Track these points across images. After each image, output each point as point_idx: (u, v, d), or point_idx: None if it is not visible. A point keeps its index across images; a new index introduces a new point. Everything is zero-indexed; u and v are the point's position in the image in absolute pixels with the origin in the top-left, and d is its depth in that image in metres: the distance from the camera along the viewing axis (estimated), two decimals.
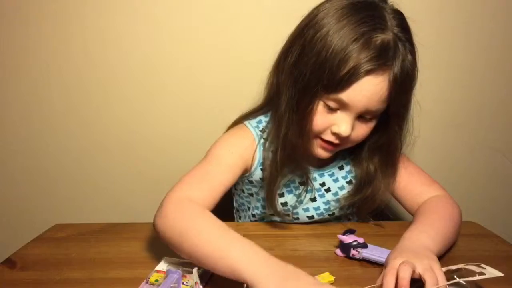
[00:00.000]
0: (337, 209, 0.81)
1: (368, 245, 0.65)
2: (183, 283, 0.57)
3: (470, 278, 0.54)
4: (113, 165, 1.01)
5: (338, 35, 0.63)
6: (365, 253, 0.64)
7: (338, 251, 0.67)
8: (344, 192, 0.80)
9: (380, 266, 0.62)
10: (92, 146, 0.99)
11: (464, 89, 1.01)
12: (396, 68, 0.64)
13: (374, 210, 0.79)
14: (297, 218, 0.81)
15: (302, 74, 0.66)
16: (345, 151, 0.79)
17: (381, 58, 0.63)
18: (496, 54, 0.99)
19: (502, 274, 0.55)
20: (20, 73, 0.94)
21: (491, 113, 1.03)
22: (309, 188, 0.77)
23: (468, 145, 1.05)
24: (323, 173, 0.80)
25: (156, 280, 0.57)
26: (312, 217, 0.80)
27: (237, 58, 0.94)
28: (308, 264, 0.62)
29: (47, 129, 0.98)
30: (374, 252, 0.64)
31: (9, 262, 0.63)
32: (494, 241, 0.73)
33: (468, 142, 1.05)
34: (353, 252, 0.64)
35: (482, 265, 0.56)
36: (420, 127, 1.03)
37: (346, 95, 0.65)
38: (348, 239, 0.66)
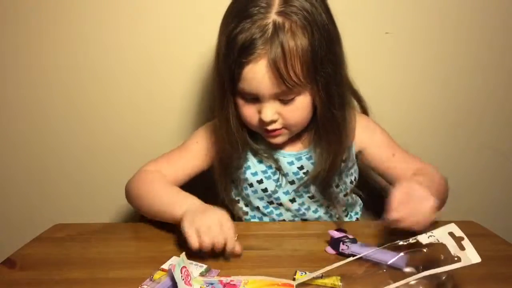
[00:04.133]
0: (315, 190, 0.81)
1: (359, 242, 0.65)
2: None
3: (444, 268, 0.53)
4: (113, 165, 1.01)
5: (224, 31, 0.68)
6: (354, 248, 0.64)
7: (329, 249, 0.67)
8: None
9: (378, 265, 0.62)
10: (92, 146, 0.99)
11: (464, 89, 1.01)
12: (276, 55, 0.64)
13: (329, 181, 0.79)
14: (280, 204, 0.82)
15: (214, 73, 0.73)
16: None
17: (257, 45, 0.65)
18: (497, 54, 0.99)
19: (479, 260, 0.54)
20: (20, 73, 0.94)
21: (492, 113, 1.03)
22: (284, 172, 0.79)
23: (468, 145, 1.05)
24: (301, 156, 0.80)
25: (159, 278, 0.57)
26: (294, 199, 0.81)
27: None
28: (309, 264, 0.62)
29: (47, 129, 0.98)
30: (363, 249, 0.63)
31: (9, 262, 0.63)
32: (494, 241, 0.73)
33: (468, 142, 1.05)
34: (342, 246, 0.65)
35: (464, 242, 0.56)
36: (421, 127, 1.03)
37: (242, 85, 0.69)
38: (338, 234, 0.66)
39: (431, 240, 0.57)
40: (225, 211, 0.66)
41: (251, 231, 0.74)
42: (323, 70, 0.69)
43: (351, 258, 0.58)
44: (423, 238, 0.57)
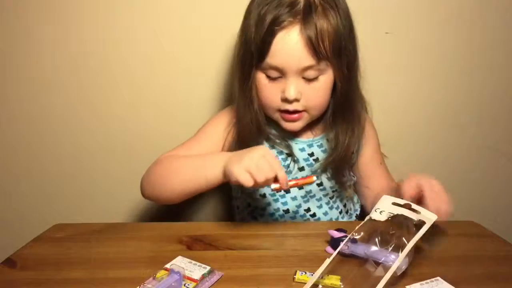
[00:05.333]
0: (324, 178, 0.83)
1: (359, 242, 0.65)
2: (184, 285, 0.57)
3: (420, 233, 0.55)
4: (113, 165, 1.01)
5: (256, 8, 0.71)
6: (353, 247, 0.64)
7: (329, 249, 0.67)
8: None
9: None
10: (92, 146, 0.99)
11: (464, 90, 1.01)
12: (308, 26, 0.68)
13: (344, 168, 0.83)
14: (288, 190, 0.82)
15: (240, 52, 0.74)
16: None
17: (289, 15, 0.68)
18: (497, 55, 0.99)
19: (436, 217, 0.58)
20: (20, 73, 0.94)
21: (492, 113, 1.03)
22: (296, 158, 0.81)
23: (468, 145, 1.05)
24: (312, 143, 0.82)
25: (162, 277, 0.57)
26: (302, 187, 0.82)
27: None
28: (309, 264, 0.62)
29: (47, 129, 0.98)
30: (362, 248, 0.63)
31: (9, 262, 0.63)
32: (494, 241, 0.73)
33: (468, 142, 1.05)
34: (342, 246, 0.65)
35: (414, 207, 0.59)
36: (421, 127, 1.03)
37: (271, 59, 0.70)
38: (338, 234, 0.66)
39: (385, 215, 0.60)
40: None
41: (251, 231, 0.74)
42: (347, 48, 0.73)
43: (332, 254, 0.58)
44: (376, 216, 0.60)
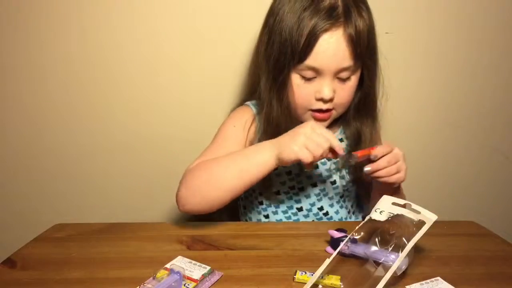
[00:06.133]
0: (337, 176, 0.84)
1: (359, 242, 0.65)
2: (184, 285, 0.57)
3: (420, 233, 0.55)
4: (113, 165, 1.01)
5: (291, 10, 0.71)
6: (353, 247, 0.64)
7: (329, 249, 0.67)
8: None
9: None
10: (92, 146, 0.99)
11: (464, 90, 1.01)
12: (350, 27, 0.70)
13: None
14: (302, 188, 0.83)
15: (273, 55, 0.74)
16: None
17: (331, 18, 0.69)
18: (497, 54, 0.99)
19: (436, 217, 0.57)
20: (20, 73, 0.94)
21: (491, 113, 1.03)
22: None
23: (468, 145, 1.05)
24: None
25: (162, 277, 0.57)
26: (316, 184, 0.83)
27: (237, 59, 0.94)
28: (309, 264, 0.62)
29: (47, 129, 0.98)
30: (362, 248, 0.64)
31: (10, 262, 0.63)
32: (494, 241, 0.73)
33: (468, 142, 1.05)
34: (342, 247, 0.65)
35: (414, 207, 0.59)
36: (421, 127, 1.03)
37: (312, 60, 0.71)
38: (338, 234, 0.66)
39: (385, 215, 0.60)
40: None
41: (251, 231, 0.74)
42: (375, 46, 0.76)
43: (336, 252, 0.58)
44: (376, 216, 0.60)
